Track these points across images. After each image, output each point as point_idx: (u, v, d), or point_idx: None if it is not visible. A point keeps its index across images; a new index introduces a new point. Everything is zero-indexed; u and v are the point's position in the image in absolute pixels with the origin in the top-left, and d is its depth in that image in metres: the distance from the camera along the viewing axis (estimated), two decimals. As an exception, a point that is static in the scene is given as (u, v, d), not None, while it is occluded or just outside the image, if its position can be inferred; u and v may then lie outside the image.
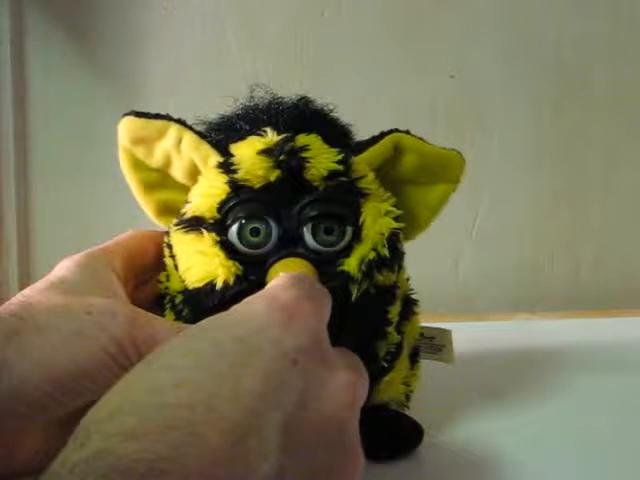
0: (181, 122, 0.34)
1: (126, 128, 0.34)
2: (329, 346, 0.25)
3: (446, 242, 0.72)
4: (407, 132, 0.36)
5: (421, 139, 0.36)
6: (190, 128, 0.34)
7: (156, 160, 0.35)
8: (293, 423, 0.21)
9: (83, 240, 0.58)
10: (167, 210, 0.36)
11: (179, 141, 0.34)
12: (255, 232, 0.32)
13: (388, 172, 0.35)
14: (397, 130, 0.35)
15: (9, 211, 0.69)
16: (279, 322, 0.23)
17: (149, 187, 0.36)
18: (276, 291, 0.25)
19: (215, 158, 0.33)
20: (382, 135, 0.35)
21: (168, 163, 0.35)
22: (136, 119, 0.34)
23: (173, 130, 0.34)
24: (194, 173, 0.34)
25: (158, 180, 0.36)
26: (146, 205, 0.36)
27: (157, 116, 0.34)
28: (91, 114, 0.69)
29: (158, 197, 0.36)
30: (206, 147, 0.33)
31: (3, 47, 0.67)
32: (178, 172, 0.35)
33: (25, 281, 0.70)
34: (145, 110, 0.35)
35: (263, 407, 0.20)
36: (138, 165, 0.35)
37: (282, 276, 0.27)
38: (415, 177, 0.36)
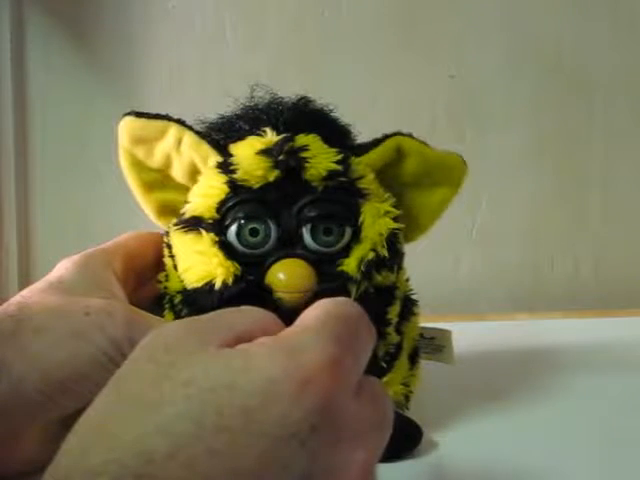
0: (181, 122, 0.34)
1: (126, 128, 0.34)
2: (349, 416, 0.21)
3: (446, 242, 0.72)
4: (410, 135, 0.36)
5: (423, 142, 0.36)
6: (190, 128, 0.34)
7: (156, 160, 0.35)
8: None
9: (83, 240, 0.58)
10: (167, 210, 0.36)
11: (179, 141, 0.34)
12: (254, 232, 0.32)
13: (389, 175, 0.35)
14: (400, 133, 0.35)
15: (9, 211, 0.69)
16: (293, 392, 0.20)
17: (149, 187, 0.36)
18: (303, 341, 0.21)
19: (215, 158, 0.33)
20: (384, 138, 0.35)
21: (168, 163, 0.35)
22: (136, 119, 0.34)
23: (173, 130, 0.34)
24: (194, 173, 0.34)
25: (158, 180, 0.36)
26: (146, 205, 0.36)
27: (157, 116, 0.34)
28: (91, 114, 0.69)
29: (158, 197, 0.36)
30: (206, 147, 0.34)
31: (3, 47, 0.67)
32: (178, 172, 0.35)
33: (25, 281, 0.69)
34: (145, 110, 0.35)
35: None
36: (138, 165, 0.35)
37: (320, 307, 0.22)
38: (416, 180, 0.36)
